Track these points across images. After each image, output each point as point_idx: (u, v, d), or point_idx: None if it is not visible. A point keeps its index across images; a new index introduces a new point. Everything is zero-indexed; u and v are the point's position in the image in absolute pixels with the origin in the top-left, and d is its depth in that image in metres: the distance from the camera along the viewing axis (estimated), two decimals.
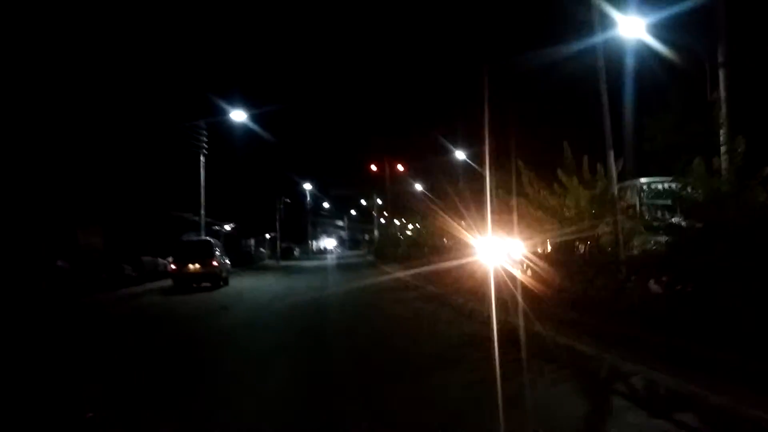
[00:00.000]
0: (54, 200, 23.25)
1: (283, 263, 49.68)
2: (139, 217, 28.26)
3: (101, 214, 25.07)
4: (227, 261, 24.73)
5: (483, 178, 13.04)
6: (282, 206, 58.09)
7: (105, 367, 7.78)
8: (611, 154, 9.74)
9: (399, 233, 38.14)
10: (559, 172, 10.63)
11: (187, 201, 31.49)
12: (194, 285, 21.35)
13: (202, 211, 28.21)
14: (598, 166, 10.48)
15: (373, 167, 44.50)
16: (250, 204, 50.66)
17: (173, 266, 21.62)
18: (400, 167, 41.80)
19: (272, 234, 60.11)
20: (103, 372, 7.42)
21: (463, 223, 15.28)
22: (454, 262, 15.22)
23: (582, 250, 10.57)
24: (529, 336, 6.98)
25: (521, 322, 7.30)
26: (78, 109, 25.44)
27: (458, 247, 16.06)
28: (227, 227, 38.22)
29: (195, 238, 23.44)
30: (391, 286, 20.40)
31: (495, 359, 6.37)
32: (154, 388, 6.36)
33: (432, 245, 25.74)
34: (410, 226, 34.46)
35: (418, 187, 35.63)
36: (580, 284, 9.13)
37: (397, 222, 44.96)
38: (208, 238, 23.30)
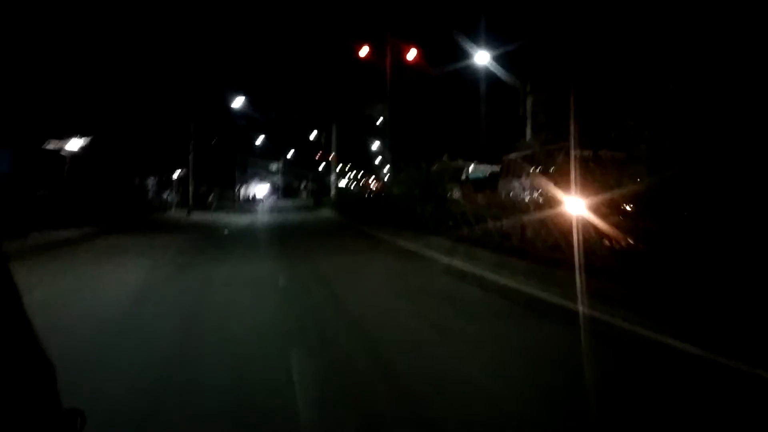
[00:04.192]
0: None
1: (196, 218, 30.74)
2: None
3: None
4: None
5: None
6: (194, 129, 38.42)
7: None
8: None
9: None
10: None
11: None
12: None
13: None
14: None
15: (364, 50, 25.05)
16: (149, 121, 30.95)
17: None
18: (412, 53, 22.99)
19: (183, 171, 40.62)
20: None
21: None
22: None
23: None
24: None
25: None
26: None
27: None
28: (73, 145, 18.45)
29: None
30: None
31: None
32: None
33: None
34: None
35: None
36: None
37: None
38: None
